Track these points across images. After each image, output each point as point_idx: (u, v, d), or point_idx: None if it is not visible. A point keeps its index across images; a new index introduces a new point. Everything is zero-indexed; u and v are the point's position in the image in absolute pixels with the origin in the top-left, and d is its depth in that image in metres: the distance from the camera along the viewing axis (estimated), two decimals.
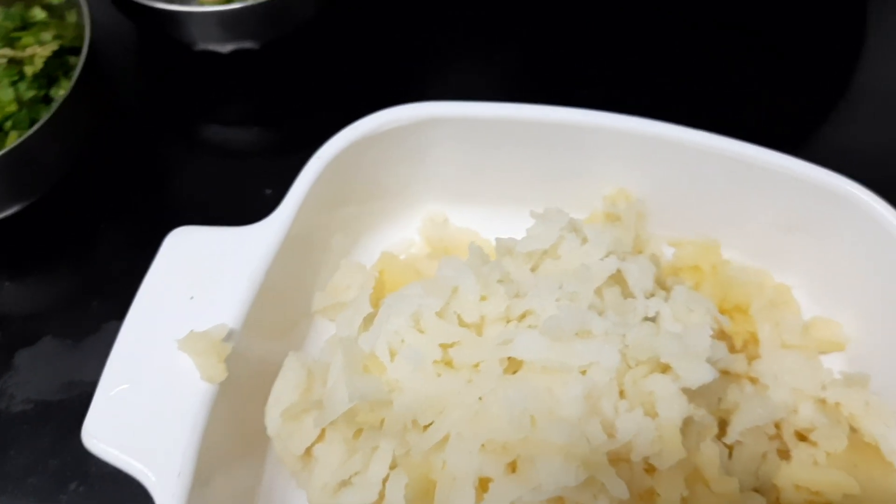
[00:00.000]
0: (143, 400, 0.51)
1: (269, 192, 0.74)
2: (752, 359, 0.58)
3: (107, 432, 0.49)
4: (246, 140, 0.81)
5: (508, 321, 0.49)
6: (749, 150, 0.59)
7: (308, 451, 0.54)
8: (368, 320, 0.52)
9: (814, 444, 0.54)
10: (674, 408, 0.44)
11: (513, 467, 0.44)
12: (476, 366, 0.46)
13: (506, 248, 0.56)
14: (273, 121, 0.81)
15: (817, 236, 0.61)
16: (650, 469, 0.45)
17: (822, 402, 0.55)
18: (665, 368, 0.45)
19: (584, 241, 0.55)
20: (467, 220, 0.69)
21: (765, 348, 0.58)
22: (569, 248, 0.54)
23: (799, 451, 0.53)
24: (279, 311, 0.59)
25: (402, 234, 0.69)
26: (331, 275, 0.65)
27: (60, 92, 0.71)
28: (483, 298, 0.49)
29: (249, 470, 0.57)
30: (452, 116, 0.62)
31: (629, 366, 0.45)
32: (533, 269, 0.54)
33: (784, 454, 0.54)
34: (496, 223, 0.62)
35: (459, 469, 0.44)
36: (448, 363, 0.47)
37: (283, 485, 0.58)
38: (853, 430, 0.54)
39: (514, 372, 0.46)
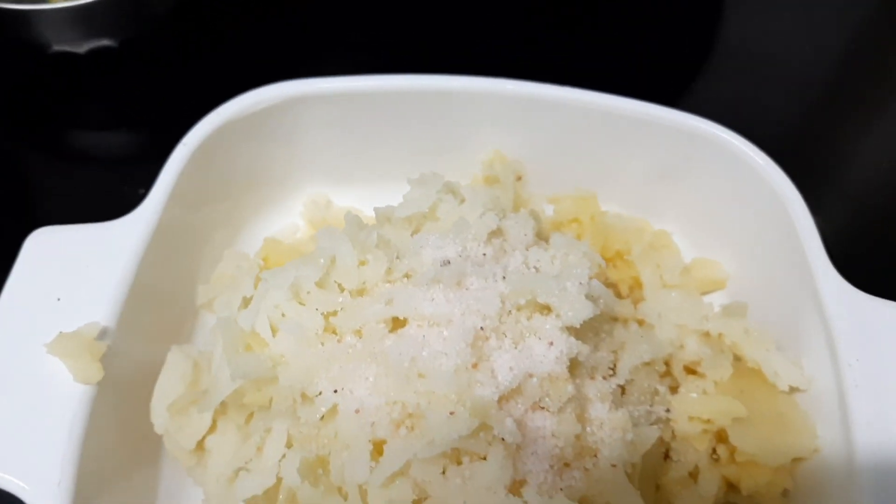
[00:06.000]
0: (11, 410, 0.47)
1: (142, 191, 0.71)
2: (637, 302, 0.60)
3: None
4: (112, 142, 0.78)
5: (392, 284, 0.48)
6: (619, 103, 0.61)
7: (200, 444, 0.52)
8: (249, 302, 0.51)
9: (702, 375, 0.55)
10: (558, 346, 0.44)
11: (409, 427, 0.43)
12: (359, 331, 0.46)
13: (384, 216, 0.55)
14: (141, 121, 0.78)
15: (690, 182, 0.63)
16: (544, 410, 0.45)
17: (706, 334, 0.57)
18: (545, 309, 0.46)
19: (462, 201, 0.55)
20: (350, 199, 0.68)
21: (648, 290, 0.59)
22: (447, 210, 0.54)
23: (688, 384, 0.55)
24: (160, 307, 0.56)
25: (285, 220, 0.68)
26: (214, 267, 0.63)
27: None
28: (362, 263, 0.48)
29: (147, 472, 0.54)
30: (320, 92, 0.61)
31: (509, 311, 0.45)
32: (414, 234, 0.53)
33: (675, 389, 0.55)
34: (379, 200, 0.60)
35: (352, 435, 0.43)
36: (332, 331, 0.46)
37: (181, 484, 0.55)
38: (737, 358, 0.56)
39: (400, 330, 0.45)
